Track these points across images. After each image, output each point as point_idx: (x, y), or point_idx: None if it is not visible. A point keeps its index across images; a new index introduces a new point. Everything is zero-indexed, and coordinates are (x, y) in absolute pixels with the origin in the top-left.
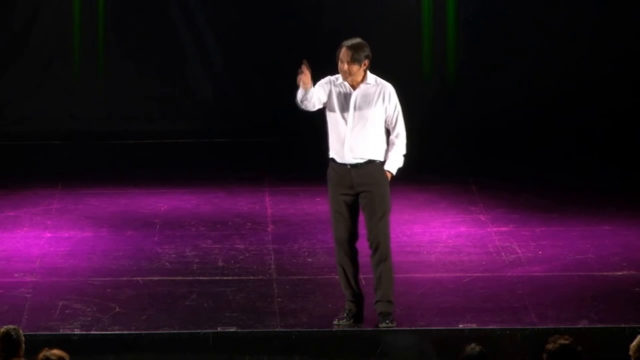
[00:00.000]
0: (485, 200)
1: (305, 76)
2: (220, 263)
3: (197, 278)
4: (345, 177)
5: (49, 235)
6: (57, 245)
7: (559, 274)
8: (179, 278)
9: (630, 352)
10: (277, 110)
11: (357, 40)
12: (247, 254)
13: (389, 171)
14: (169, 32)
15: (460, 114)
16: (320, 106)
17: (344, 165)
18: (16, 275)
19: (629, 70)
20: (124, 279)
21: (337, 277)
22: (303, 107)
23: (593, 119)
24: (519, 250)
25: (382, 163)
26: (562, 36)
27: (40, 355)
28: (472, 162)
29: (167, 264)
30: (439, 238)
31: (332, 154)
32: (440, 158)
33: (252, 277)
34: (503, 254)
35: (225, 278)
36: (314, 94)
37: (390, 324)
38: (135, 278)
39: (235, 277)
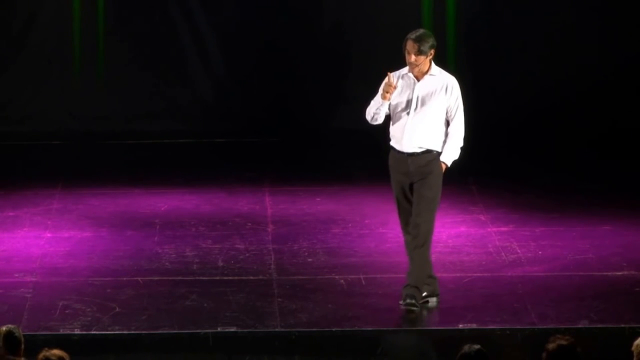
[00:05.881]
0: (485, 200)
1: (392, 89)
2: (220, 263)
3: (197, 278)
4: (402, 165)
5: (49, 235)
6: (57, 245)
7: (559, 274)
8: (179, 278)
9: (633, 348)
10: (277, 110)
11: (421, 31)
12: (247, 254)
13: (444, 162)
14: (169, 32)
15: None
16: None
17: (402, 153)
18: (16, 275)
19: (630, 70)
20: (124, 279)
21: (337, 277)
22: (373, 121)
23: (593, 119)
24: (519, 250)
25: (439, 154)
26: (563, 36)
27: (40, 356)
28: (472, 162)
29: (167, 264)
30: (439, 238)
31: (392, 142)
32: None
33: (252, 277)
34: (503, 254)
35: (225, 278)
36: (385, 107)
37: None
38: (135, 278)
39: (236, 277)
